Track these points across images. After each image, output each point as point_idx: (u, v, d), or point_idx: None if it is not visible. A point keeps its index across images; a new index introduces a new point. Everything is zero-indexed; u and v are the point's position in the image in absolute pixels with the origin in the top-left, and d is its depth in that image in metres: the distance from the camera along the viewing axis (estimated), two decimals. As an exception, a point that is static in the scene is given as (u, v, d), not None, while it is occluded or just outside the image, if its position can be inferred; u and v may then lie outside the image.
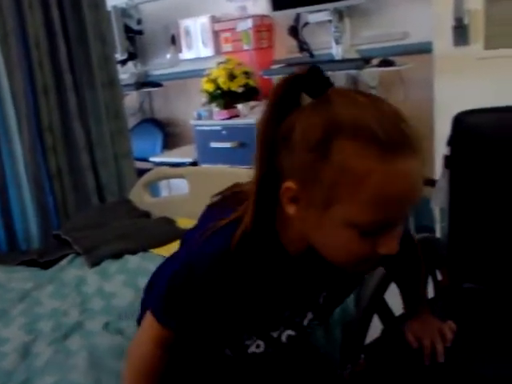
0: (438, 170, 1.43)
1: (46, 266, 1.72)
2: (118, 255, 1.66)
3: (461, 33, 2.40)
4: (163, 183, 3.18)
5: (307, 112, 0.69)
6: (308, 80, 0.70)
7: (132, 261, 1.62)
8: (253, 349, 0.90)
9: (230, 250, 0.76)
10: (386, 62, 2.72)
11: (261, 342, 0.90)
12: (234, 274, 0.77)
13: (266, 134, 0.72)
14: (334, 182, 0.66)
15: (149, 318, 0.88)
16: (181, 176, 2.15)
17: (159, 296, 0.87)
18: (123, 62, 3.85)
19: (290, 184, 0.71)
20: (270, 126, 0.71)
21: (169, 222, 1.89)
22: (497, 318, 1.20)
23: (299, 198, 0.71)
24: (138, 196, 2.13)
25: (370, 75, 2.78)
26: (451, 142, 1.36)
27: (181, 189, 2.34)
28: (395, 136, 0.65)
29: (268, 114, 0.72)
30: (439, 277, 1.41)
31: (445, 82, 2.49)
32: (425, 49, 2.61)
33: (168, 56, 3.86)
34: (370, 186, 0.65)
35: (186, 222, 1.88)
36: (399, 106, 0.70)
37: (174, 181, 2.85)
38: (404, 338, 1.08)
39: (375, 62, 2.76)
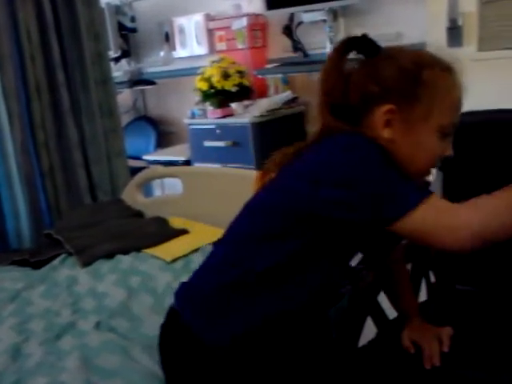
0: (432, 173, 1.43)
1: (37, 265, 1.71)
2: (110, 255, 1.65)
3: (455, 34, 2.40)
4: (156, 182, 3.17)
5: (389, 58, 0.95)
6: (361, 42, 0.97)
7: (124, 261, 1.61)
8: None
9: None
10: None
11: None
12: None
13: (333, 75, 0.95)
14: (430, 99, 0.92)
15: (418, 212, 0.84)
16: (174, 176, 2.14)
17: (392, 190, 0.86)
18: (117, 60, 3.83)
19: (389, 107, 0.92)
20: (335, 70, 0.95)
21: (162, 222, 1.89)
22: (489, 320, 1.20)
23: (393, 120, 0.92)
24: (131, 196, 2.12)
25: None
26: (445, 144, 1.36)
27: (174, 188, 2.33)
28: (450, 64, 0.96)
29: (334, 62, 0.95)
30: (432, 278, 1.42)
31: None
32: (419, 49, 2.61)
33: (162, 54, 3.84)
34: (450, 97, 0.95)
35: (180, 222, 1.88)
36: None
37: (167, 180, 2.84)
38: (398, 341, 1.08)
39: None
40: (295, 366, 0.98)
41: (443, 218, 0.85)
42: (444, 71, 0.95)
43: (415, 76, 0.92)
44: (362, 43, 0.97)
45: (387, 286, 1.22)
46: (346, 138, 0.90)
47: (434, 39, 2.48)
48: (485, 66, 2.37)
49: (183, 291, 1.04)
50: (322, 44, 3.05)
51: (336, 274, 1.01)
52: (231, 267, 0.96)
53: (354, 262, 1.09)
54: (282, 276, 0.93)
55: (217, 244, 1.06)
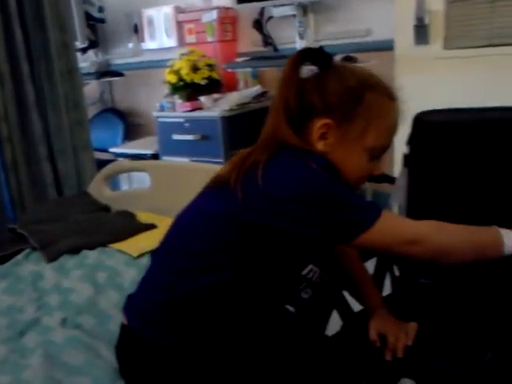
0: (398, 169, 1.46)
1: (0, 261, 1.67)
2: (75, 250, 1.62)
3: (421, 32, 2.44)
4: (123, 176, 3.13)
5: (337, 75, 0.97)
6: (316, 54, 0.97)
7: (90, 256, 1.59)
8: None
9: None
10: (348, 58, 2.75)
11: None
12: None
13: (289, 84, 0.96)
14: (367, 119, 0.95)
15: (376, 228, 0.90)
16: (142, 169, 2.12)
17: (348, 212, 0.90)
18: (84, 51, 3.75)
19: (326, 121, 0.95)
20: (292, 79, 0.96)
21: (129, 217, 1.87)
22: (451, 314, 1.23)
23: (328, 134, 0.95)
24: (98, 190, 2.09)
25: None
26: (411, 141, 1.39)
27: (142, 181, 2.31)
28: (394, 92, 1.00)
29: (290, 72, 0.96)
30: (396, 272, 1.44)
31: (405, 80, 2.52)
32: (387, 46, 2.65)
33: (130, 45, 3.79)
34: (387, 121, 0.98)
35: (147, 217, 1.86)
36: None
37: (135, 173, 2.81)
38: (364, 333, 1.10)
39: (338, 57, 2.79)
40: (254, 364, 1.01)
41: (401, 233, 0.94)
42: (386, 96, 0.98)
43: (358, 96, 0.95)
44: (317, 55, 0.98)
45: (348, 287, 1.24)
46: (306, 158, 0.91)
47: (402, 37, 2.51)
48: (450, 65, 2.42)
49: (131, 305, 1.08)
50: (291, 39, 3.06)
51: (288, 284, 1.06)
52: (182, 280, 0.98)
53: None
54: (233, 289, 0.96)
55: (162, 251, 1.08)
